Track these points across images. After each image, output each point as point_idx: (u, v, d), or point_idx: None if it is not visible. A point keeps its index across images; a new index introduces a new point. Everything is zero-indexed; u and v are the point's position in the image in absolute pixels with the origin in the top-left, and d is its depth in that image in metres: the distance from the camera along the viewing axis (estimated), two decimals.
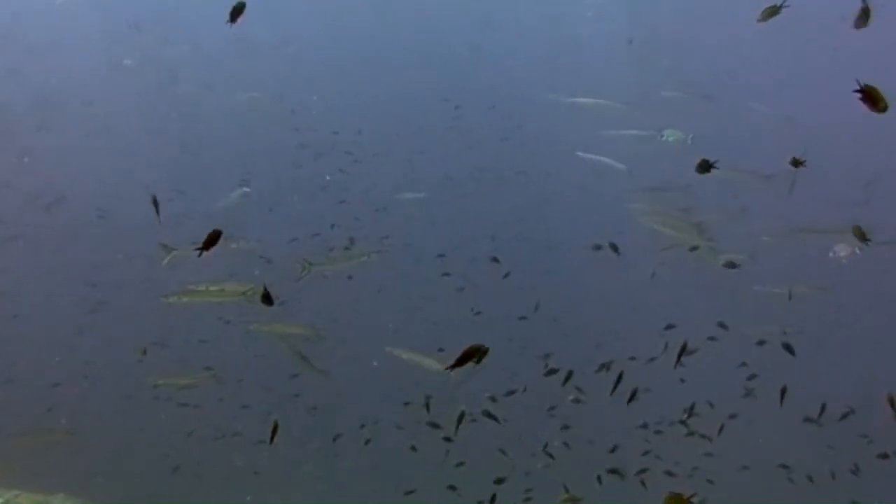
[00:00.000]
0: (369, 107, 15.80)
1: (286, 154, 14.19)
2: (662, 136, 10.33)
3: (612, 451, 9.64)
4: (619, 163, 12.11)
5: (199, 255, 5.37)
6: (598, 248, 10.30)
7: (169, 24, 16.34)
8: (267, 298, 5.74)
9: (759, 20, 5.66)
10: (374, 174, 14.30)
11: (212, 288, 7.42)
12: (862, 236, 6.44)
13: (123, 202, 13.17)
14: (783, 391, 7.62)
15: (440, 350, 9.79)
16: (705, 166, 5.87)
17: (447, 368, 4.82)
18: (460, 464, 10.01)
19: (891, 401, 6.72)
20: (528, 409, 10.44)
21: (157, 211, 6.99)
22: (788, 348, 8.66)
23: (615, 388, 8.01)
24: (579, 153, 12.35)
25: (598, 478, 9.62)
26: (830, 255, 9.41)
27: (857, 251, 9.44)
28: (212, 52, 15.75)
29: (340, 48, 16.96)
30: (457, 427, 7.55)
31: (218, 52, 15.71)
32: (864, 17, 5.49)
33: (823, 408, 8.85)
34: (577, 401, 9.75)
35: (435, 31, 17.67)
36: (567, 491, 8.80)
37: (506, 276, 11.46)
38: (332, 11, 17.41)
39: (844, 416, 9.28)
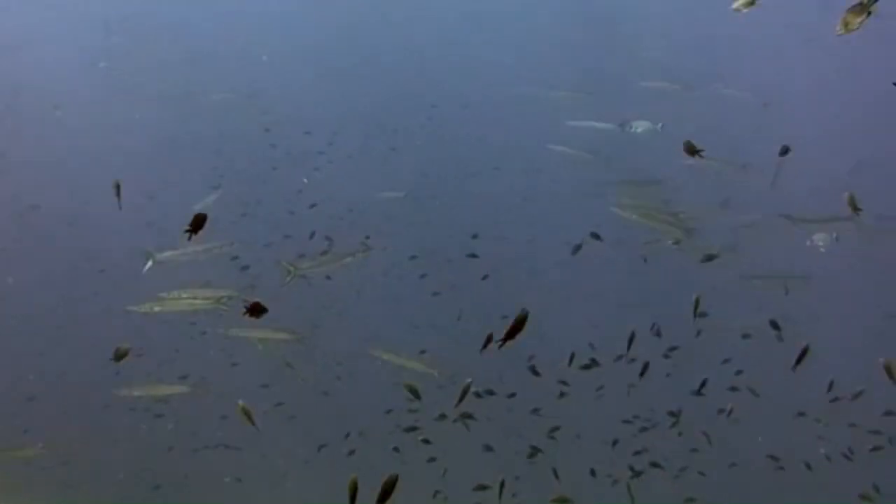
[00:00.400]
0: (343, 106, 15.54)
1: (260, 156, 13.93)
2: (631, 127, 10.24)
3: (601, 446, 9.54)
4: (590, 153, 12.01)
5: (189, 238, 5.38)
6: (577, 248, 10.19)
7: (142, 25, 16.03)
8: (256, 310, 5.46)
9: (734, 9, 5.46)
10: (350, 175, 14.09)
11: (184, 295, 7.20)
12: (854, 206, 6.36)
13: (96, 209, 12.85)
14: (804, 352, 7.44)
15: (422, 352, 9.69)
16: (692, 149, 5.74)
17: (499, 344, 4.55)
18: (446, 471, 9.90)
19: (888, 370, 6.68)
20: (513, 411, 10.35)
21: (119, 195, 6.83)
22: (775, 325, 8.63)
23: (630, 345, 8.12)
24: (550, 145, 12.27)
25: (592, 471, 9.55)
26: (808, 243, 9.38)
27: (835, 239, 9.43)
28: (184, 54, 15.43)
29: (313, 46, 16.66)
30: (461, 399, 7.30)
31: (191, 52, 15.41)
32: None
33: (831, 385, 8.75)
34: (562, 395, 9.67)
35: (408, 27, 17.41)
36: (557, 476, 8.70)
37: (484, 277, 11.34)
38: (305, 8, 17.11)
39: (857, 396, 9.16)
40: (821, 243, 9.41)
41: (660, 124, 10.17)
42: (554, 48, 16.28)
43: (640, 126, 10.23)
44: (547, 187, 14.38)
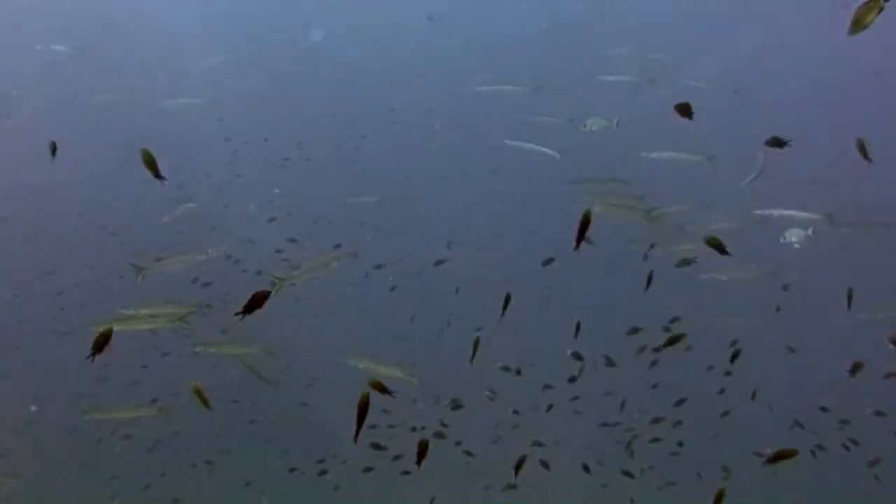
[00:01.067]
0: (305, 110, 15.17)
1: (223, 165, 13.55)
2: (585, 125, 9.96)
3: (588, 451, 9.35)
4: (560, 152, 11.82)
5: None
6: (549, 261, 9.95)
7: (97, 31, 15.61)
8: (257, 302, 4.95)
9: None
10: (318, 181, 13.80)
11: (143, 311, 6.82)
12: (864, 153, 6.13)
13: (54, 222, 12.41)
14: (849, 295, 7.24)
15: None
16: (685, 110, 5.54)
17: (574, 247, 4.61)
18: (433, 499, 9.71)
19: (894, 341, 6.56)
20: (498, 419, 10.17)
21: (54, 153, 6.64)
22: (785, 288, 8.50)
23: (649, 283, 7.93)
24: (507, 141, 12.09)
25: (585, 467, 9.35)
26: (781, 240, 9.16)
27: (811, 235, 9.26)
28: (141, 60, 15.03)
29: (271, 50, 16.29)
30: (473, 354, 7.05)
31: (148, 59, 15.02)
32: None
33: (857, 366, 8.40)
34: (550, 408, 9.48)
35: (365, 28, 17.09)
36: (548, 468, 8.48)
37: (457, 291, 11.06)
38: (261, 12, 16.76)
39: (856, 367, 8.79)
40: (794, 239, 9.20)
41: (615, 120, 9.89)
42: (517, 46, 16.07)
43: (594, 123, 9.93)
44: (516, 188, 14.17)
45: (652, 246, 9.31)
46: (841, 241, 9.79)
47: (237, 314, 4.86)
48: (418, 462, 5.06)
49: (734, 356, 8.04)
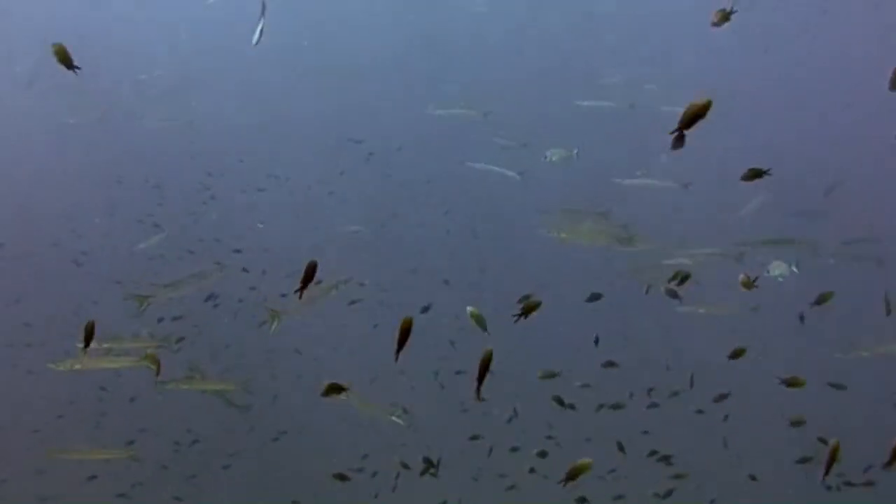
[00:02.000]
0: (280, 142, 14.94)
1: (199, 190, 13.23)
2: (546, 156, 9.93)
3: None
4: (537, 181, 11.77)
5: None
6: (524, 298, 9.75)
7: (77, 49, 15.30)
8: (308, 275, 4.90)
9: (713, 23, 5.70)
10: (296, 212, 13.57)
11: (104, 345, 6.52)
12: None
13: (15, 248, 11.97)
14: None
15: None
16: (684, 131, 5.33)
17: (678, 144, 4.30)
18: None
19: None
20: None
21: None
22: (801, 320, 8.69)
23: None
24: (469, 163, 12.07)
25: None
26: (765, 274, 8.99)
27: (794, 269, 9.12)
28: (120, 79, 14.77)
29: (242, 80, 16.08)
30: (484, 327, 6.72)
31: (127, 78, 14.78)
32: None
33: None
34: (543, 454, 9.21)
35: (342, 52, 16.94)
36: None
37: (452, 343, 10.84)
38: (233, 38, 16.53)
39: None
40: (777, 273, 9.04)
41: (575, 150, 9.86)
42: (492, 72, 15.97)
43: (555, 154, 9.90)
44: (497, 222, 14.00)
45: (647, 290, 9.12)
46: (825, 273, 9.68)
47: (297, 291, 4.95)
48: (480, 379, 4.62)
49: (790, 383, 7.59)
